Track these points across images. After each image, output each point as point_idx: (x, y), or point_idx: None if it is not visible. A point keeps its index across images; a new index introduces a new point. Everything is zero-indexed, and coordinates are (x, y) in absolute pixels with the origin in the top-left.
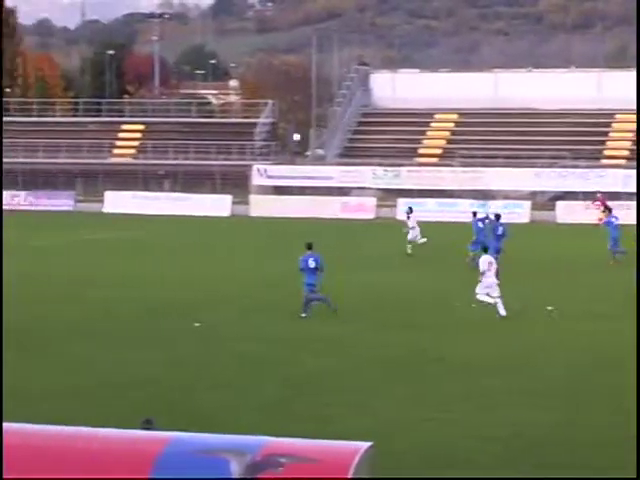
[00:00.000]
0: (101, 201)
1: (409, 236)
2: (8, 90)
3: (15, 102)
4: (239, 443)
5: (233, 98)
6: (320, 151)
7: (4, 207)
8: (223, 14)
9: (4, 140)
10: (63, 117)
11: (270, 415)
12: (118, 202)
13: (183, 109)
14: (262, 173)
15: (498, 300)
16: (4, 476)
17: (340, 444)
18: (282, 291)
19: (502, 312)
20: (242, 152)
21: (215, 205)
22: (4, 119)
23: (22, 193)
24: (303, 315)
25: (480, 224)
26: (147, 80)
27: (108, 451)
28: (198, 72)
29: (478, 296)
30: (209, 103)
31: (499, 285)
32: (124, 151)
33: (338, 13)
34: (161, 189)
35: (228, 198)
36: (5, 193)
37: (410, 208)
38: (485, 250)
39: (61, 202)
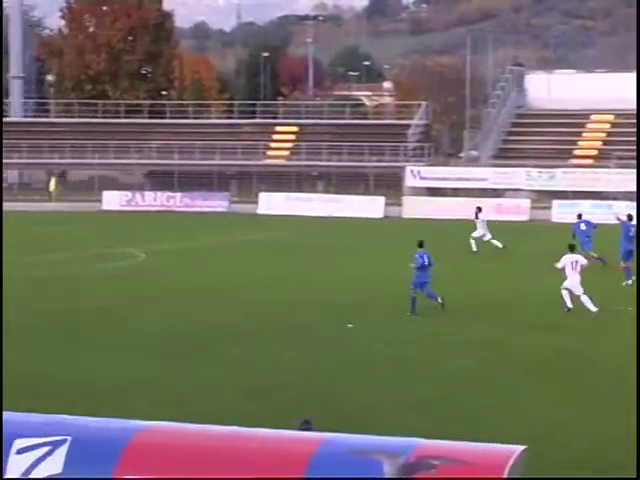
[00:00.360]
0: (255, 202)
1: (474, 233)
2: (164, 93)
3: (171, 104)
4: (392, 444)
5: (387, 99)
6: (474, 152)
7: (160, 208)
8: (377, 15)
9: (160, 141)
10: (218, 119)
11: (422, 416)
12: (272, 203)
13: (337, 111)
14: (415, 174)
15: (583, 297)
16: (167, 475)
17: (493, 447)
18: (439, 292)
19: (592, 307)
20: (395, 153)
21: (368, 206)
22: (161, 121)
23: (178, 194)
24: (440, 301)
25: (583, 226)
26: (301, 82)
27: (263, 451)
28: (352, 74)
29: (574, 291)
30: (363, 104)
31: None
32: (278, 152)
33: (493, 14)
34: (314, 190)
35: (381, 199)
36: (161, 194)
37: (479, 208)
38: (571, 249)
39: (216, 203)
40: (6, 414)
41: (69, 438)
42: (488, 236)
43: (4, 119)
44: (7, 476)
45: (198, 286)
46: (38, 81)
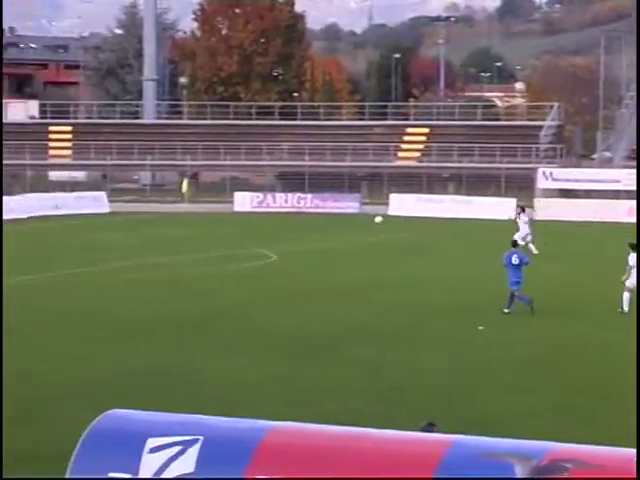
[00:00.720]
0: (386, 204)
1: (516, 235)
2: (296, 94)
3: (303, 106)
4: (524, 448)
5: (519, 100)
6: (607, 154)
7: (291, 209)
8: (509, 16)
9: (291, 143)
10: (349, 120)
11: (554, 419)
12: (403, 205)
13: (468, 112)
14: (547, 176)
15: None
16: (299, 475)
17: (628, 451)
18: (563, 295)
19: (625, 307)
20: (527, 155)
21: (499, 208)
22: (292, 122)
23: (308, 196)
24: (506, 310)
25: None
26: (432, 83)
27: (392, 452)
28: (483, 75)
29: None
30: (494, 106)
31: None
32: (409, 154)
33: (627, 14)
34: (445, 192)
35: (512, 201)
36: (292, 195)
37: (522, 208)
38: (633, 247)
39: (346, 205)
40: (139, 413)
41: (201, 438)
42: (529, 237)
43: (137, 121)
44: (140, 475)
45: (329, 287)
46: (171, 83)
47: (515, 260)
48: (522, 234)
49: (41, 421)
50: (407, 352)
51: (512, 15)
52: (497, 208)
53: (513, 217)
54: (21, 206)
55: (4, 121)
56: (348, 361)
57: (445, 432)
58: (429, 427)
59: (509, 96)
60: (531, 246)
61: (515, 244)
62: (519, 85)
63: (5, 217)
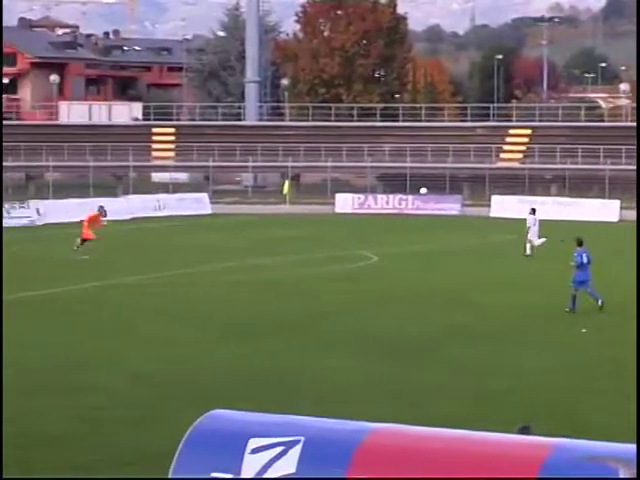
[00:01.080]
0: (488, 205)
1: (530, 235)
2: (397, 96)
3: (404, 107)
4: (626, 451)
5: (623, 101)
6: None
7: (392, 211)
8: (614, 16)
9: (393, 144)
10: (451, 122)
11: None
12: (505, 206)
13: (571, 113)
14: None
15: None
16: (400, 476)
17: None
18: None
19: None
20: (631, 156)
21: (603, 210)
22: (394, 124)
23: (410, 197)
24: (600, 303)
25: None
26: (535, 84)
27: (493, 454)
28: (587, 76)
29: None
30: (598, 107)
31: None
32: (511, 155)
33: None
34: (548, 194)
35: (616, 203)
36: (393, 197)
37: (533, 209)
38: None
39: (448, 206)
40: (240, 414)
41: (302, 439)
42: (538, 240)
43: (239, 122)
44: (242, 475)
45: (429, 288)
46: (273, 85)
47: (584, 259)
48: (532, 235)
49: (147, 421)
50: (507, 354)
51: (617, 15)
52: (601, 210)
53: (528, 218)
54: (124, 207)
55: (109, 123)
56: (448, 363)
57: (543, 435)
58: (525, 430)
59: (613, 97)
60: (537, 242)
61: (581, 243)
62: (623, 86)
63: (108, 218)
